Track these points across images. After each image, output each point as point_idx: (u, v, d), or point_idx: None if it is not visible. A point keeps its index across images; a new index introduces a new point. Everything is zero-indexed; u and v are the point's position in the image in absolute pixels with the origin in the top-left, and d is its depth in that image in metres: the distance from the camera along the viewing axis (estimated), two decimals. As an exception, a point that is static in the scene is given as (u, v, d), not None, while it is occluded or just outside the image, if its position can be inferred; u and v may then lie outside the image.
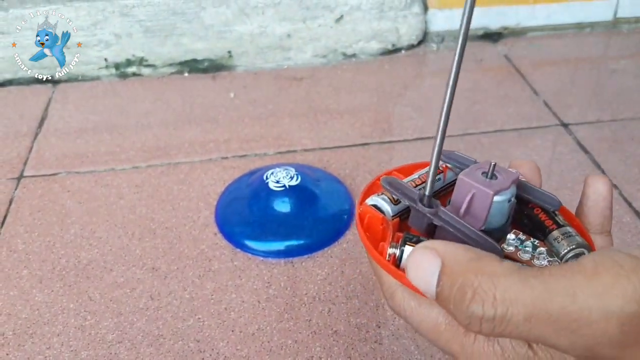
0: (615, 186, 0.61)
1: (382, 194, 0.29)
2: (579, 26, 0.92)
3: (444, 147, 0.25)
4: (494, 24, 0.90)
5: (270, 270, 0.52)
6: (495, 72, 0.83)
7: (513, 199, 0.26)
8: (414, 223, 0.27)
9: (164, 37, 0.80)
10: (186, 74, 0.83)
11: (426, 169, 0.30)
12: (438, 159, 0.24)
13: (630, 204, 0.58)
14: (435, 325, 0.26)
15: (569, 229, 0.27)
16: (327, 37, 0.84)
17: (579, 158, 0.65)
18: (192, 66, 0.83)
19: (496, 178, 0.26)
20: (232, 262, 0.52)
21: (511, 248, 0.26)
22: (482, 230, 0.25)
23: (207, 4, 0.79)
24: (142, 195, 0.60)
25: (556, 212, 0.28)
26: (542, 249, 0.26)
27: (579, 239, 0.26)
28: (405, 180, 0.29)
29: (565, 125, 0.71)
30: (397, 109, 0.75)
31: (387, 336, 0.46)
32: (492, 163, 0.26)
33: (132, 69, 0.82)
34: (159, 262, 0.53)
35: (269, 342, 0.45)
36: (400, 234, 0.26)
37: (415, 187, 0.29)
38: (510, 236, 0.26)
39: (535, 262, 0.26)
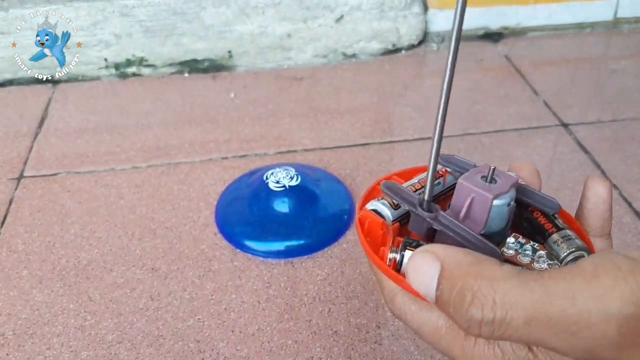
0: (615, 186, 0.61)
1: (382, 198, 0.29)
2: (579, 26, 0.92)
3: (443, 151, 0.25)
4: (494, 24, 0.90)
5: (270, 270, 0.52)
6: (495, 72, 0.83)
7: (513, 203, 0.26)
8: (414, 228, 0.27)
9: (164, 37, 0.80)
10: (186, 74, 0.83)
11: (425, 173, 0.30)
12: (435, 164, 0.24)
13: (630, 204, 0.59)
14: (436, 329, 0.26)
15: (568, 232, 0.27)
16: (327, 37, 0.84)
17: (579, 158, 0.65)
18: (192, 66, 0.83)
19: (495, 182, 0.26)
20: (232, 263, 0.53)
21: (511, 251, 0.26)
22: (481, 234, 0.25)
23: (207, 4, 0.79)
24: (142, 195, 0.61)
25: (556, 216, 0.28)
26: (542, 252, 0.26)
27: (578, 242, 0.26)
28: (405, 184, 0.29)
29: (565, 126, 0.71)
30: (397, 109, 0.75)
31: (387, 337, 0.46)
32: (492, 167, 0.26)
33: (132, 69, 0.82)
34: (159, 262, 0.53)
35: (269, 342, 0.46)
36: (401, 239, 0.26)
37: (415, 191, 0.29)
38: (510, 240, 0.26)
39: (535, 265, 0.26)
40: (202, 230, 0.56)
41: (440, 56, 0.87)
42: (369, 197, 0.30)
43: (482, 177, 0.26)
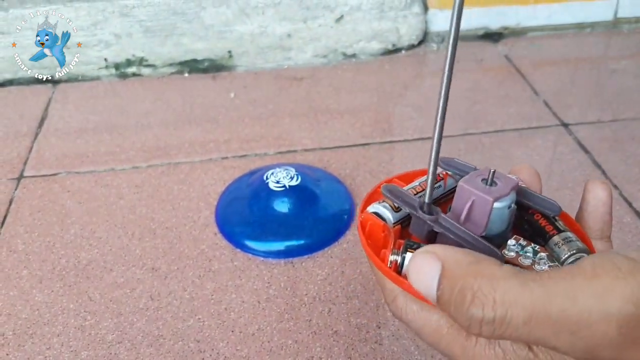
0: (615, 186, 0.61)
1: (384, 201, 0.29)
2: (580, 26, 0.92)
3: (443, 151, 0.25)
4: (495, 24, 0.90)
5: (270, 270, 0.52)
6: (495, 72, 0.83)
7: (513, 205, 0.26)
8: (415, 230, 0.27)
9: (164, 37, 0.80)
10: (186, 74, 0.83)
11: (426, 176, 0.30)
12: (435, 166, 0.24)
13: (630, 204, 0.59)
14: (437, 328, 0.26)
15: (569, 234, 0.27)
16: (327, 37, 0.84)
17: (579, 158, 0.65)
18: (192, 66, 0.83)
19: (496, 185, 0.26)
20: (232, 262, 0.53)
21: (512, 254, 0.26)
22: (482, 237, 0.25)
23: (207, 4, 0.79)
24: (142, 195, 0.61)
25: (556, 218, 0.28)
26: (543, 254, 0.26)
27: (579, 244, 0.26)
28: (406, 187, 0.29)
29: (565, 125, 0.71)
30: (397, 109, 0.75)
31: (387, 337, 0.46)
32: (492, 170, 0.26)
33: (132, 69, 0.82)
34: (159, 262, 0.53)
35: (269, 342, 0.46)
36: (402, 241, 0.27)
37: (416, 194, 0.29)
38: (511, 242, 0.26)
39: (536, 267, 0.26)
40: (202, 230, 0.56)
41: (440, 56, 0.87)
42: (370, 199, 0.30)
43: (483, 179, 0.26)
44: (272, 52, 0.83)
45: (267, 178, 0.57)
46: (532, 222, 0.28)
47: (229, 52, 0.82)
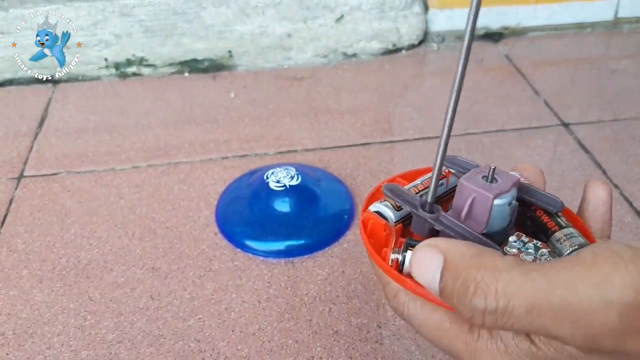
0: (616, 186, 0.61)
1: (385, 200, 0.29)
2: (580, 26, 0.92)
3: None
4: (495, 24, 0.90)
5: (270, 270, 0.52)
6: (496, 72, 0.83)
7: (514, 202, 0.26)
8: (416, 229, 0.27)
9: (164, 37, 0.80)
10: (186, 74, 0.83)
11: (429, 174, 0.30)
12: (441, 166, 0.24)
13: (631, 204, 0.59)
14: (440, 323, 0.26)
15: (571, 230, 0.27)
16: (327, 37, 0.84)
17: (579, 158, 0.65)
18: (193, 66, 0.83)
19: (496, 181, 0.26)
20: (232, 262, 0.52)
21: (514, 250, 0.26)
22: (483, 234, 0.25)
23: (207, 4, 0.79)
24: (142, 195, 0.60)
25: (559, 214, 0.28)
26: (544, 250, 0.26)
27: (581, 239, 0.26)
28: (408, 186, 0.29)
29: (566, 125, 0.71)
30: (397, 109, 0.75)
31: (388, 336, 0.46)
32: (492, 167, 0.26)
33: (132, 69, 0.82)
34: (159, 262, 0.53)
35: (269, 342, 0.45)
36: (403, 240, 0.27)
37: (417, 192, 0.29)
38: (513, 238, 0.26)
39: (538, 263, 0.26)
40: (203, 230, 0.56)
41: (440, 56, 0.87)
42: (372, 199, 0.30)
43: (483, 177, 0.26)
44: (272, 52, 0.83)
45: (267, 178, 0.57)
46: (534, 218, 0.28)
47: (229, 52, 0.82)
